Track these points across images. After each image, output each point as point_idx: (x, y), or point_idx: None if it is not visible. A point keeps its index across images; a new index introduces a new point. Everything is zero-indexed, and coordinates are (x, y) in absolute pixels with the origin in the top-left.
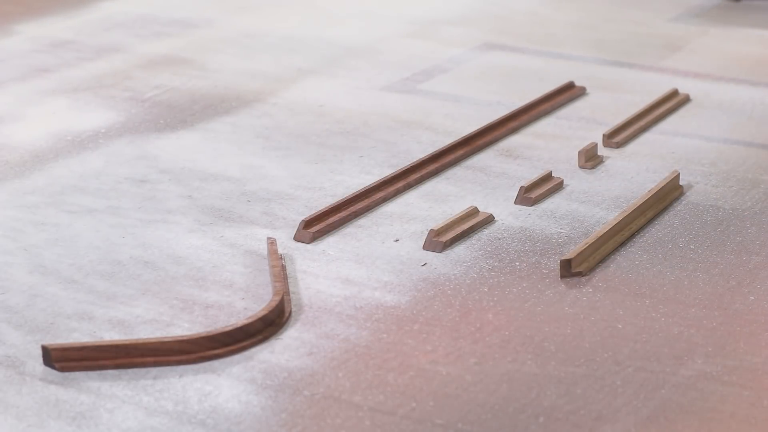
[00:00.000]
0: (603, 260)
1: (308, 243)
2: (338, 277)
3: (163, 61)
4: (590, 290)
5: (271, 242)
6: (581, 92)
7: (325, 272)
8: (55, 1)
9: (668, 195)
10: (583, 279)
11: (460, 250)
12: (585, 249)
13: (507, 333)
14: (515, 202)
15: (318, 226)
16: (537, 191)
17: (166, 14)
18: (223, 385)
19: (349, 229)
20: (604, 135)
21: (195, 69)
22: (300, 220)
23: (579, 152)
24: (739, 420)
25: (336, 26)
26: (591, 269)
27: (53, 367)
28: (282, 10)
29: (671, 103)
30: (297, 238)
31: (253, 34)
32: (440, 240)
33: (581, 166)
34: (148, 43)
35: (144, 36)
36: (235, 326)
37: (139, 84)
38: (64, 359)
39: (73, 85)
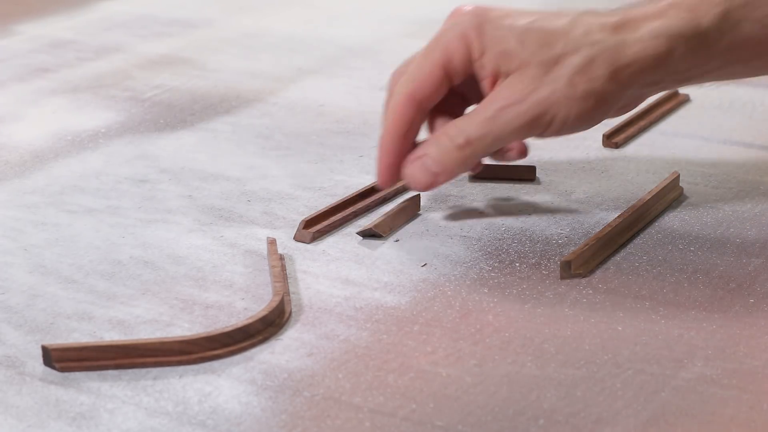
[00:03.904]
0: (603, 262)
1: (308, 243)
2: (338, 277)
3: (163, 61)
4: (590, 292)
5: (271, 242)
6: None
7: (325, 272)
8: (55, 1)
9: (668, 196)
10: (583, 280)
11: (461, 250)
12: (585, 250)
13: (507, 334)
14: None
15: (318, 226)
16: None
17: (166, 14)
18: (224, 385)
19: (350, 229)
20: (604, 135)
21: (195, 69)
22: (300, 220)
23: None
24: (739, 423)
25: (336, 26)
26: (591, 271)
27: (53, 367)
28: (282, 10)
29: (671, 103)
30: (297, 238)
31: (253, 34)
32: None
33: None
34: (148, 43)
35: (144, 36)
36: (235, 327)
37: (139, 84)
38: (64, 359)
39: (73, 85)
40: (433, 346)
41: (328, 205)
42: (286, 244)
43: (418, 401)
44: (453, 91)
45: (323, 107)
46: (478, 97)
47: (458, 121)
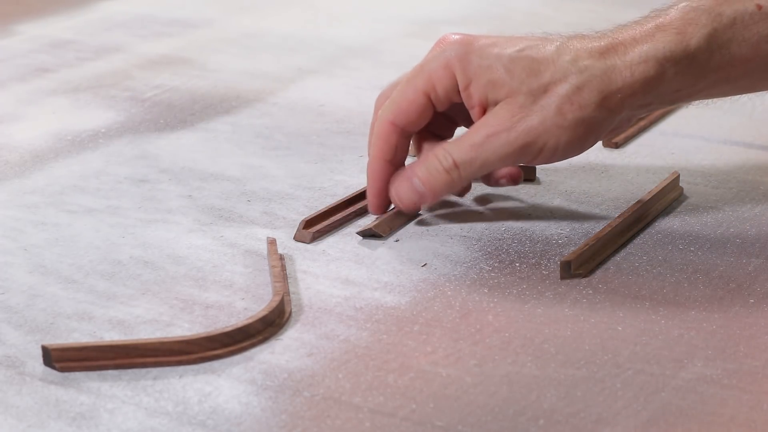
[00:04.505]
0: (603, 262)
1: (308, 243)
2: (338, 277)
3: (163, 61)
4: (590, 292)
5: (271, 242)
6: None
7: (325, 272)
8: (55, 1)
9: (668, 196)
10: (583, 281)
11: (461, 250)
12: (585, 250)
13: (507, 335)
14: None
15: (318, 226)
16: None
17: (166, 14)
18: (224, 385)
19: (350, 229)
20: None
21: (195, 69)
22: (300, 220)
23: None
24: (739, 423)
25: (336, 26)
26: (591, 271)
27: (53, 367)
28: (282, 10)
29: None
30: (297, 238)
31: (253, 34)
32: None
33: None
34: (148, 43)
35: (144, 36)
36: (235, 327)
37: (139, 84)
38: (64, 359)
39: (73, 85)
40: (433, 346)
41: (327, 205)
42: (286, 244)
43: (418, 401)
44: (440, 114)
45: (323, 107)
46: (465, 119)
47: (447, 144)
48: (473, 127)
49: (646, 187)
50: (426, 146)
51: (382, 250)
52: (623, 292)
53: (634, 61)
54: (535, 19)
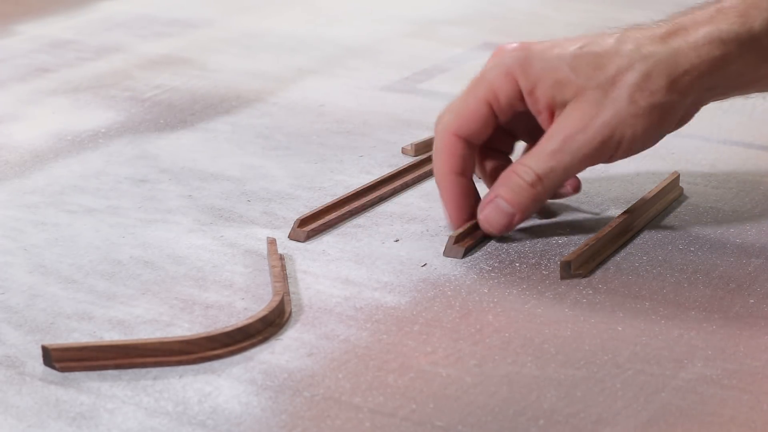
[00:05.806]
0: (603, 262)
1: (302, 241)
2: (338, 277)
3: (163, 61)
4: (590, 292)
5: (271, 242)
6: None
7: (325, 272)
8: (55, 1)
9: (668, 196)
10: (583, 281)
11: None
12: (585, 250)
13: (507, 335)
14: None
15: (312, 224)
16: None
17: (166, 14)
18: (224, 385)
19: (349, 229)
20: None
21: (195, 69)
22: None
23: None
24: (739, 424)
25: (336, 26)
26: (591, 271)
27: (53, 367)
28: (282, 10)
29: None
30: (291, 237)
31: (253, 34)
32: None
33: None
34: (148, 43)
35: (144, 36)
36: (235, 327)
37: (139, 84)
38: (64, 359)
39: (73, 85)
40: (433, 346)
41: (323, 204)
42: (286, 244)
43: (418, 401)
44: (500, 129)
45: (323, 107)
46: (526, 132)
47: (525, 159)
48: (547, 135)
49: (646, 187)
50: (488, 164)
51: (382, 250)
52: (623, 292)
53: (698, 43)
54: (535, 19)
